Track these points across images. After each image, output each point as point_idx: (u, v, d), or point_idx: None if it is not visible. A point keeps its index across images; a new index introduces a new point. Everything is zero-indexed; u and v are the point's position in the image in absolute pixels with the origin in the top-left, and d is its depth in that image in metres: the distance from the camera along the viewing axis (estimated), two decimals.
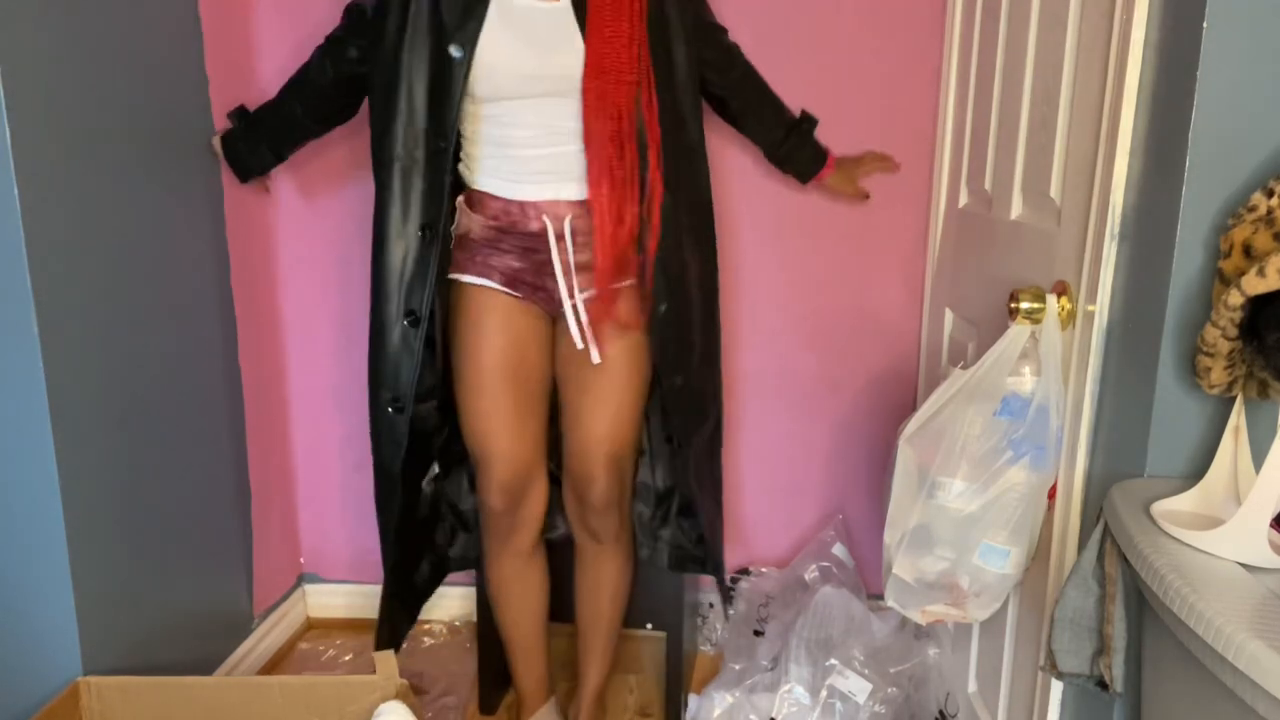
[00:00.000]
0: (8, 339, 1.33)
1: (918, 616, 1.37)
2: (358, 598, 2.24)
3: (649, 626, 1.93)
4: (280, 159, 1.75)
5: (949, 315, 1.85)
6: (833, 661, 1.69)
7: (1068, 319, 1.21)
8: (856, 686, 1.67)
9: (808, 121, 1.80)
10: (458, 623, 2.20)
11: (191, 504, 1.74)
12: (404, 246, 1.47)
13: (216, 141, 1.76)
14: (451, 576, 1.89)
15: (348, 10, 1.55)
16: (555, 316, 1.54)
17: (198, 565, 1.77)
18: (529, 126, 1.44)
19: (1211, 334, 0.92)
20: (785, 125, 1.78)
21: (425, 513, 1.71)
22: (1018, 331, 1.23)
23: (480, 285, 1.51)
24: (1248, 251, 0.91)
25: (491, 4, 1.40)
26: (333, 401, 2.15)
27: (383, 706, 1.33)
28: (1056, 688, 1.27)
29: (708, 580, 2.12)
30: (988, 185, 1.62)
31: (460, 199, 1.53)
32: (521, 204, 1.48)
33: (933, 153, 1.97)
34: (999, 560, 1.26)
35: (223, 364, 1.85)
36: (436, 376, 1.57)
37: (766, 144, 1.79)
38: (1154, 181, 1.05)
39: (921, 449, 1.30)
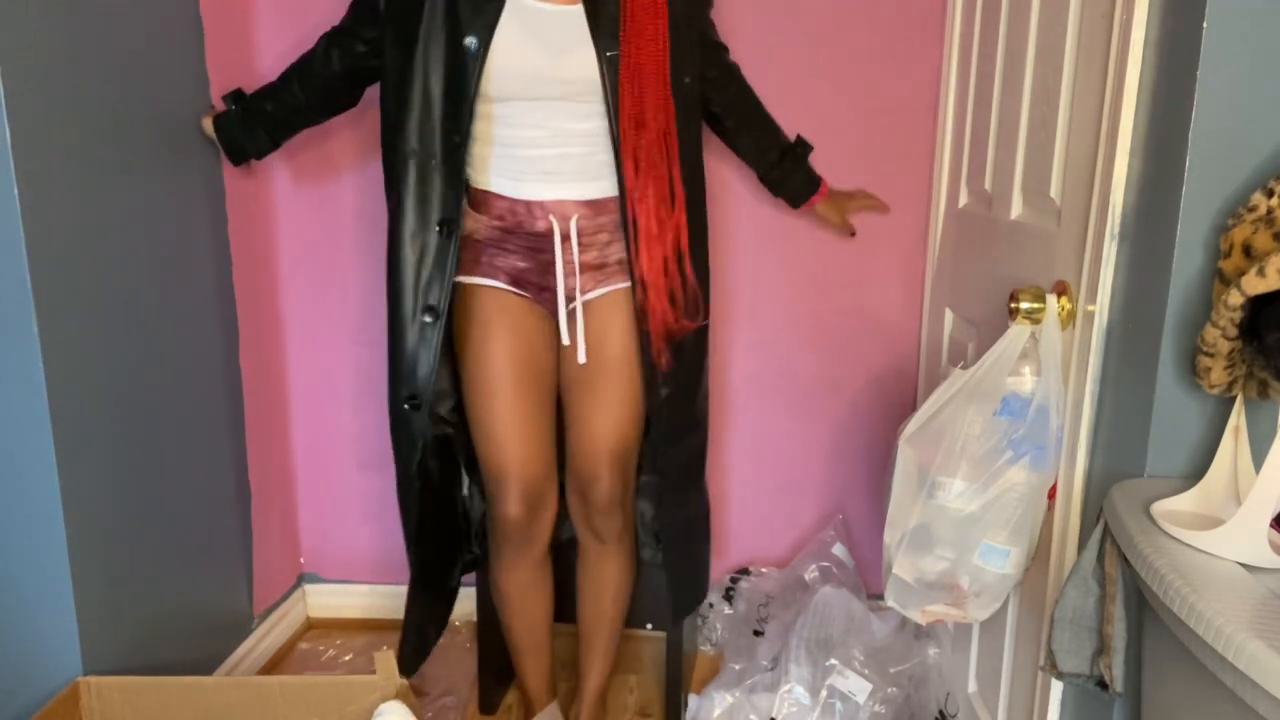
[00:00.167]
0: (8, 339, 1.33)
1: (918, 616, 1.37)
2: (358, 598, 2.24)
3: (649, 626, 1.93)
4: (276, 146, 1.72)
5: (949, 315, 1.85)
6: (833, 661, 1.69)
7: (1068, 319, 1.21)
8: (856, 686, 1.67)
9: (802, 146, 1.79)
10: (458, 623, 2.20)
11: (191, 504, 1.74)
12: (421, 242, 1.46)
13: (208, 122, 1.72)
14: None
15: (356, 2, 1.54)
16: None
17: (198, 565, 1.77)
18: (537, 127, 1.44)
19: (1211, 334, 0.92)
20: (779, 148, 1.77)
21: (461, 524, 1.71)
22: (1018, 331, 1.23)
23: (488, 286, 1.51)
24: (1248, 251, 0.91)
25: (506, 4, 1.40)
26: (333, 401, 2.15)
27: (383, 706, 1.33)
28: (1056, 688, 1.27)
29: (711, 579, 2.12)
30: (988, 185, 1.62)
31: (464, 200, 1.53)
32: (528, 203, 1.48)
33: (933, 153, 1.97)
34: (999, 560, 1.26)
35: (223, 364, 1.85)
36: (451, 379, 1.57)
37: (760, 165, 1.78)
38: (1154, 181, 1.05)
39: (921, 449, 1.30)
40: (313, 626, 2.23)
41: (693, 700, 1.77)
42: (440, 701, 1.92)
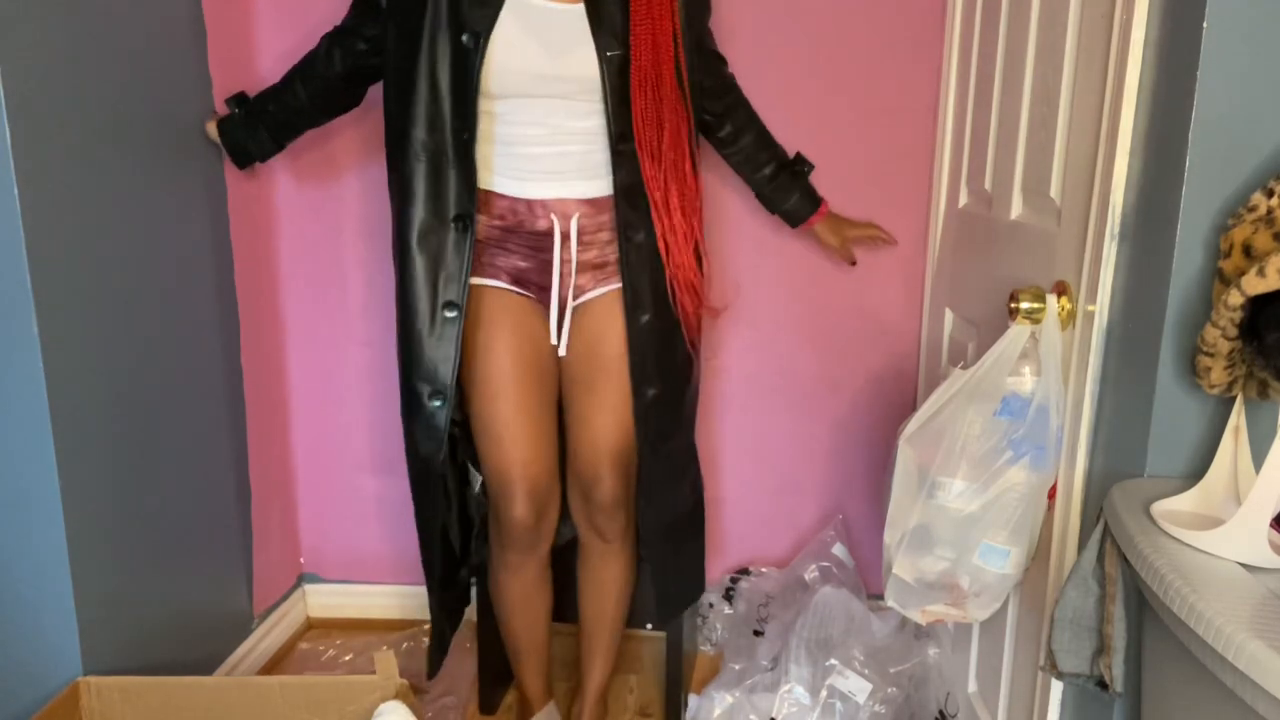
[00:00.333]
0: (8, 339, 1.33)
1: (918, 616, 1.37)
2: (358, 598, 2.24)
3: (649, 626, 1.93)
4: (280, 148, 1.73)
5: (949, 315, 1.85)
6: (833, 661, 1.69)
7: (1068, 319, 1.21)
8: (856, 686, 1.67)
9: (801, 164, 1.77)
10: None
11: (191, 504, 1.74)
12: (437, 239, 1.45)
13: (212, 127, 1.73)
14: None
15: (353, 7, 1.54)
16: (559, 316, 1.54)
17: (198, 565, 1.77)
18: (538, 125, 1.44)
19: (1211, 334, 0.92)
20: (775, 162, 1.75)
21: (471, 524, 1.71)
22: (1018, 331, 1.23)
23: (490, 286, 1.50)
24: (1248, 251, 0.91)
25: (506, 1, 1.40)
26: (334, 401, 2.15)
27: (383, 706, 1.33)
28: (1056, 688, 1.27)
29: (711, 579, 2.12)
30: (988, 185, 1.62)
31: None
32: (529, 202, 1.48)
33: (933, 153, 1.97)
34: (999, 560, 1.26)
35: (224, 364, 1.85)
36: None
37: (754, 180, 1.76)
38: (1154, 181, 1.05)
39: (921, 449, 1.30)
40: (313, 626, 2.23)
41: (693, 700, 1.77)
42: (440, 701, 1.92)
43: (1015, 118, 1.45)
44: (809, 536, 2.16)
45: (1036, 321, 1.22)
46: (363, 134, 1.99)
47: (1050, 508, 1.28)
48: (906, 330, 2.07)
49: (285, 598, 2.15)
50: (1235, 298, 0.88)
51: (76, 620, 1.42)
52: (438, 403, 1.47)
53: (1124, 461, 1.10)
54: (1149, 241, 1.05)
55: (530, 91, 1.43)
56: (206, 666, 1.81)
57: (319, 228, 2.06)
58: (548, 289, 1.51)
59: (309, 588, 2.24)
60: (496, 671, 1.86)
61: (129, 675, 1.46)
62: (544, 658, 1.75)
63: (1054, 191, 1.30)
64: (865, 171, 1.99)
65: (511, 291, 1.51)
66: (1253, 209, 0.92)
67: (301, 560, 2.24)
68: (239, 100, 1.72)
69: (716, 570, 2.17)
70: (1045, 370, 1.22)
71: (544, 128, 1.45)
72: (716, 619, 2.06)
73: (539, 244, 1.49)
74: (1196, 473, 1.03)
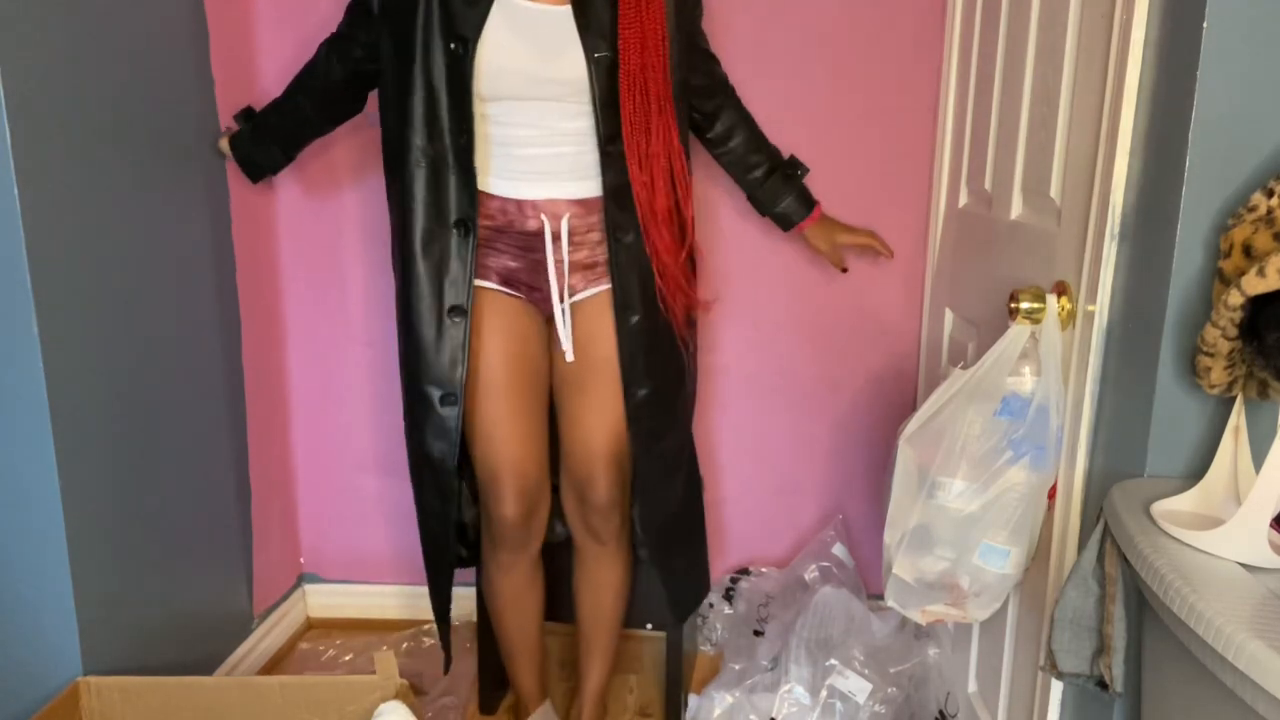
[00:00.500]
0: (8, 339, 1.33)
1: (918, 616, 1.37)
2: (358, 598, 2.24)
3: (649, 626, 1.93)
4: (289, 159, 1.74)
5: (949, 315, 1.85)
6: (833, 661, 1.69)
7: (1068, 319, 1.21)
8: (856, 686, 1.67)
9: (794, 166, 1.75)
10: (458, 623, 2.20)
11: (191, 504, 1.74)
12: (440, 244, 1.45)
13: (224, 143, 1.76)
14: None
15: (351, 7, 1.55)
16: (549, 317, 1.54)
17: (198, 565, 1.77)
18: (529, 126, 1.45)
19: (1211, 334, 0.92)
20: (768, 162, 1.73)
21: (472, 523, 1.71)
22: (1018, 331, 1.23)
23: (479, 286, 1.50)
24: (1248, 251, 0.91)
25: (495, 4, 1.40)
26: (334, 401, 2.15)
27: (383, 706, 1.33)
28: (1056, 688, 1.27)
29: (711, 579, 2.12)
30: (988, 185, 1.62)
31: None
32: (519, 202, 1.48)
33: (933, 153, 1.97)
34: (999, 560, 1.26)
35: (224, 363, 1.85)
36: None
37: (746, 181, 1.74)
38: (1154, 181, 1.05)
39: (921, 449, 1.30)
40: (313, 626, 2.23)
41: (693, 700, 1.77)
42: (440, 701, 1.92)
43: (1015, 118, 1.45)
44: (809, 536, 2.16)
45: (1036, 321, 1.22)
46: (364, 135, 1.99)
47: (1050, 508, 1.28)
48: (906, 330, 2.07)
49: (285, 598, 2.15)
50: (1235, 298, 0.88)
51: (76, 620, 1.42)
52: (450, 406, 1.48)
53: (1124, 461, 1.10)
54: (1149, 241, 1.05)
55: (522, 94, 1.43)
56: (206, 666, 1.81)
57: (320, 227, 2.06)
58: (537, 289, 1.52)
59: (309, 588, 2.24)
60: (496, 672, 1.86)
61: (129, 675, 1.46)
62: (537, 657, 1.75)
63: (1054, 191, 1.30)
64: (865, 172, 1.99)
65: (501, 292, 1.51)
66: (1253, 209, 0.92)
67: (301, 560, 2.24)
68: (246, 115, 1.74)
69: (716, 570, 2.17)
70: (1045, 370, 1.22)
71: (537, 129, 1.45)
72: (716, 619, 2.06)
73: (529, 244, 1.49)
74: (1196, 473, 1.03)
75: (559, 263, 1.49)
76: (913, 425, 1.32)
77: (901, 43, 1.94)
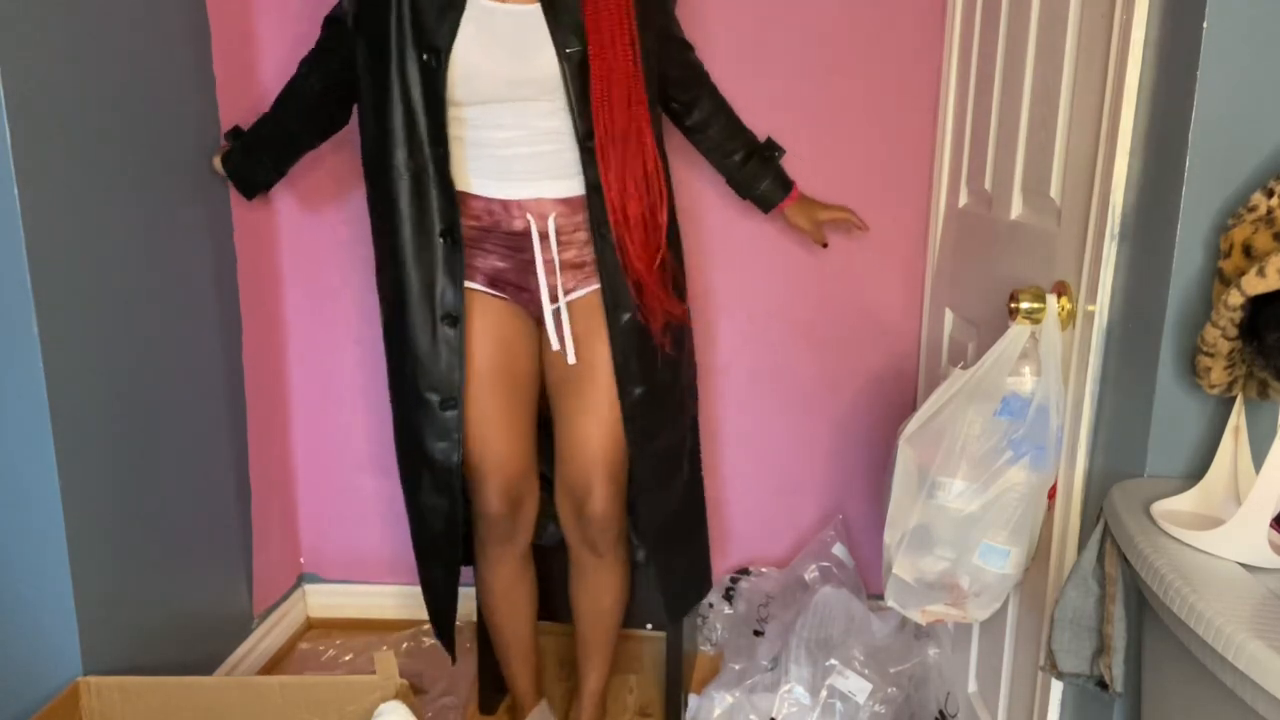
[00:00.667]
0: (8, 339, 1.33)
1: (918, 616, 1.37)
2: (358, 598, 2.24)
3: (649, 626, 1.93)
4: (281, 174, 1.74)
5: (949, 315, 1.85)
6: (833, 661, 1.69)
7: (1068, 319, 1.21)
8: (856, 686, 1.67)
9: (771, 149, 1.77)
10: (458, 622, 2.20)
11: (191, 504, 1.74)
12: (428, 255, 1.46)
13: (218, 162, 1.76)
14: None
15: (327, 22, 1.55)
16: (540, 318, 1.53)
17: (198, 565, 1.77)
18: (509, 128, 1.45)
19: (1211, 334, 0.92)
20: (745, 148, 1.74)
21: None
22: (1018, 331, 1.23)
23: (465, 288, 1.49)
24: (1248, 251, 0.91)
25: (466, 8, 1.40)
26: (334, 401, 2.15)
27: (383, 706, 1.33)
28: (1056, 688, 1.27)
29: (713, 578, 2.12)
30: (988, 185, 1.62)
31: None
32: (505, 202, 1.47)
33: (933, 153, 1.97)
34: (999, 560, 1.26)
35: (224, 363, 1.85)
36: None
37: (725, 167, 1.75)
38: (1154, 181, 1.05)
39: (921, 449, 1.30)
40: (313, 626, 2.23)
41: (693, 700, 1.77)
42: (440, 701, 1.92)
43: (1015, 118, 1.45)
44: (809, 536, 2.16)
45: (1036, 321, 1.22)
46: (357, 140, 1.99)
47: (1050, 508, 1.28)
48: (906, 330, 2.07)
49: (285, 598, 2.15)
50: (1235, 298, 0.88)
51: (76, 620, 1.42)
52: (451, 410, 1.48)
53: (1124, 461, 1.10)
54: (1149, 241, 1.05)
55: (499, 96, 1.43)
56: (206, 666, 1.81)
57: (321, 226, 2.06)
58: (525, 289, 1.51)
59: (309, 588, 2.24)
60: (496, 672, 1.86)
61: (129, 675, 1.46)
62: (531, 655, 1.76)
63: (1054, 191, 1.30)
64: (865, 172, 1.99)
65: (487, 293, 1.51)
66: (1253, 209, 0.92)
67: (301, 560, 2.24)
68: (235, 133, 1.74)
69: (717, 570, 2.17)
70: (1045, 370, 1.22)
71: (517, 130, 1.45)
72: (716, 619, 2.06)
73: (516, 244, 1.49)
74: (1196, 473, 1.03)
75: (548, 262, 1.49)
76: (913, 425, 1.32)
77: (901, 43, 1.94)
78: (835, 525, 2.12)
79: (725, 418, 2.14)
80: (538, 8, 1.41)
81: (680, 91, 1.68)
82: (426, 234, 1.46)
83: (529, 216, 1.47)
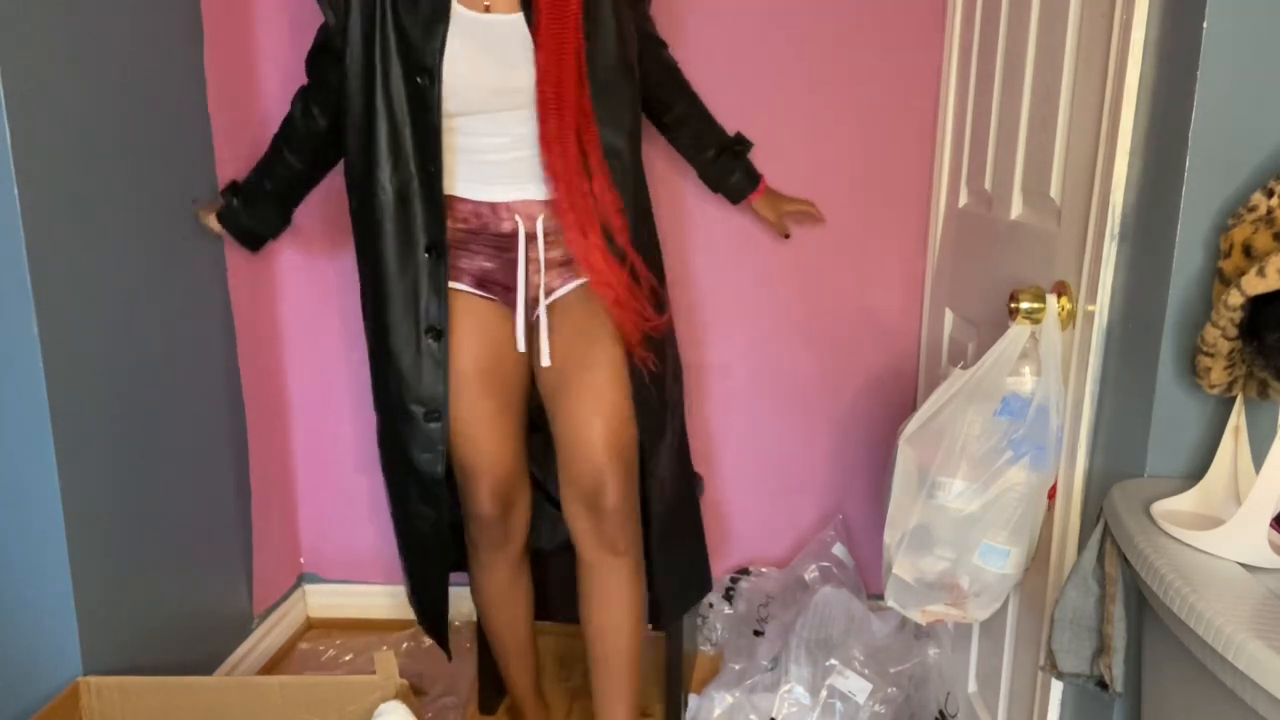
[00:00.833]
0: (8, 339, 1.33)
1: (918, 616, 1.37)
2: (358, 598, 2.24)
3: (649, 626, 1.92)
4: (288, 220, 1.70)
5: (949, 315, 1.85)
6: (833, 661, 1.69)
7: (1068, 319, 1.21)
8: (856, 686, 1.67)
9: (741, 143, 1.81)
10: (458, 622, 2.20)
11: (191, 504, 1.74)
12: (413, 271, 1.46)
13: (212, 220, 1.69)
14: (453, 576, 1.89)
15: (315, 53, 1.51)
16: (530, 320, 1.52)
17: (198, 565, 1.77)
18: (495, 135, 1.45)
19: (1211, 334, 0.92)
20: (718, 144, 1.78)
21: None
22: (1018, 331, 1.23)
23: (452, 289, 1.49)
24: (1248, 251, 0.91)
25: (451, 21, 1.40)
26: (334, 401, 2.15)
27: (383, 706, 1.33)
28: (1056, 688, 1.27)
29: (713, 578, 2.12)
30: (988, 185, 1.62)
31: None
32: (493, 205, 1.48)
33: (933, 153, 1.97)
34: (999, 560, 1.26)
35: (223, 364, 1.85)
36: None
37: (697, 162, 1.80)
38: (1154, 181, 1.05)
39: (921, 449, 1.30)
40: (313, 626, 2.23)
41: (693, 700, 1.77)
42: (440, 701, 1.92)
43: (1015, 118, 1.45)
44: (809, 536, 2.16)
45: (1036, 321, 1.22)
46: None
47: (1050, 508, 1.28)
48: (906, 330, 2.07)
49: (285, 598, 2.15)
50: (1235, 298, 0.88)
51: (76, 620, 1.42)
52: (435, 422, 1.48)
53: (1124, 461, 1.10)
54: (1149, 241, 1.05)
55: (487, 106, 1.43)
56: (206, 666, 1.81)
57: (320, 224, 2.06)
58: (513, 290, 1.51)
59: (309, 588, 2.24)
60: (496, 672, 1.86)
61: (129, 675, 1.46)
62: (529, 657, 1.75)
63: (1054, 191, 1.30)
64: (866, 172, 1.99)
65: (474, 294, 1.50)
66: (1253, 209, 0.92)
67: (301, 560, 2.24)
68: (232, 189, 1.68)
69: (717, 570, 2.17)
70: (1045, 370, 1.22)
71: (505, 136, 1.45)
72: (716, 619, 2.06)
73: (504, 244, 1.49)
74: (1196, 473, 1.03)
75: (533, 261, 1.49)
76: (913, 425, 1.32)
77: (901, 43, 1.94)
78: (835, 525, 2.12)
79: (725, 418, 2.14)
80: (520, 17, 1.41)
81: (656, 89, 1.69)
82: (411, 248, 1.45)
83: (517, 218, 1.48)
